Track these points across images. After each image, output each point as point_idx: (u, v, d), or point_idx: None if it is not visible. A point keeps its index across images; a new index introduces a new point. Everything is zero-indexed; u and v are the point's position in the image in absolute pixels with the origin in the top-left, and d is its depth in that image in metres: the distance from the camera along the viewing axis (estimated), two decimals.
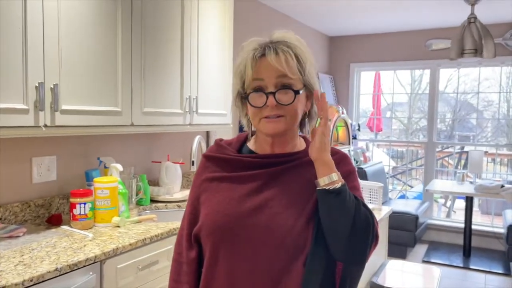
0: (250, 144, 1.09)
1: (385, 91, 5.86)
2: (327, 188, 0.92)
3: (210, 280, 1.00)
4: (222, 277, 0.98)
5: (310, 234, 0.95)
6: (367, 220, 0.93)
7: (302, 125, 1.06)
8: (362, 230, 0.92)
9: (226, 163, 1.05)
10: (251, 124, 1.06)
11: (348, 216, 0.91)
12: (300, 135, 1.09)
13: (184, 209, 1.12)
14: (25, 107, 1.55)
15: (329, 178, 0.93)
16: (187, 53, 2.36)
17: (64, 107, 1.69)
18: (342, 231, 0.91)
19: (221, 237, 0.98)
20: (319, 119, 1.00)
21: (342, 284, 1.00)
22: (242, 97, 1.04)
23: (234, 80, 1.05)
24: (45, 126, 1.63)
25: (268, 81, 0.96)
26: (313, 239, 0.95)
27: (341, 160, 1.03)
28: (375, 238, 0.95)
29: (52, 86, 1.63)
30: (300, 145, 1.07)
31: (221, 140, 1.11)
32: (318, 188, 0.94)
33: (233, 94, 1.06)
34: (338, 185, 0.92)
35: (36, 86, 1.58)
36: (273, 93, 0.96)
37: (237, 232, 0.96)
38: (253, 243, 0.95)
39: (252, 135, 1.09)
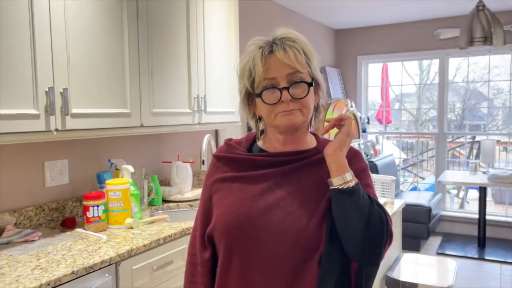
0: (260, 143, 1.08)
1: (393, 82, 5.80)
2: (340, 187, 0.91)
3: (225, 281, 1.00)
4: (237, 277, 0.98)
5: (324, 233, 0.95)
6: (381, 219, 0.92)
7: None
8: (376, 229, 0.91)
9: (237, 162, 1.05)
10: (259, 124, 1.05)
11: (362, 215, 0.90)
12: (310, 132, 1.09)
13: (196, 209, 1.12)
14: (36, 112, 1.56)
15: (343, 178, 0.92)
16: (193, 52, 2.35)
17: (74, 110, 1.70)
18: (356, 231, 0.91)
19: (234, 237, 0.97)
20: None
21: (358, 283, 0.99)
22: (249, 97, 1.03)
23: (240, 81, 1.04)
24: (56, 130, 1.64)
25: (280, 78, 0.96)
26: (328, 238, 0.94)
27: (353, 157, 1.02)
28: (389, 237, 0.94)
29: (61, 91, 1.64)
30: (311, 142, 1.06)
31: (230, 139, 1.11)
32: (331, 188, 0.93)
33: (241, 95, 1.05)
34: (351, 185, 0.91)
35: (46, 91, 1.58)
36: (287, 88, 0.96)
37: (250, 232, 0.96)
38: (267, 243, 0.95)
39: (260, 135, 1.09)
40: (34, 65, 1.55)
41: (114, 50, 1.88)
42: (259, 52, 0.98)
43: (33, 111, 1.55)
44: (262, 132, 1.09)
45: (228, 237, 0.98)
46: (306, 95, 0.97)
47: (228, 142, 1.10)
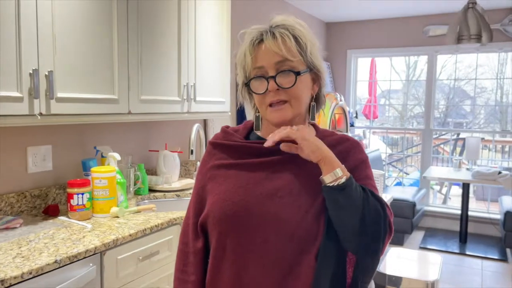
0: (258, 131, 1.05)
1: (379, 78, 5.82)
2: (330, 184, 0.89)
3: (217, 271, 0.97)
4: (230, 268, 0.95)
5: (322, 225, 0.93)
6: (377, 212, 0.90)
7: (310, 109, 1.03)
8: (372, 223, 0.89)
9: (234, 150, 1.02)
10: (257, 118, 1.04)
11: (356, 210, 0.88)
12: (309, 123, 1.06)
13: (184, 199, 1.09)
14: (19, 95, 1.50)
15: (333, 175, 0.89)
16: (184, 40, 2.30)
17: (59, 94, 1.64)
18: (351, 225, 0.89)
19: (229, 226, 0.95)
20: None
21: (355, 277, 0.97)
22: (246, 87, 1.00)
23: (238, 72, 1.01)
24: (40, 114, 1.58)
25: (268, 67, 0.94)
26: (325, 231, 0.92)
27: (352, 148, 1.00)
28: (388, 229, 0.92)
29: (46, 73, 1.58)
30: (309, 132, 1.03)
31: (227, 127, 1.08)
32: (323, 186, 0.91)
33: (239, 86, 1.02)
34: (342, 180, 0.89)
35: (30, 73, 1.52)
36: (273, 77, 0.93)
37: (245, 221, 0.93)
38: (263, 233, 0.92)
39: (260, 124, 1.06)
40: (18, 45, 1.48)
41: (102, 34, 1.82)
42: (249, 42, 0.96)
43: (16, 94, 1.49)
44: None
45: (222, 226, 0.95)
46: (293, 85, 0.93)
47: (225, 129, 1.08)
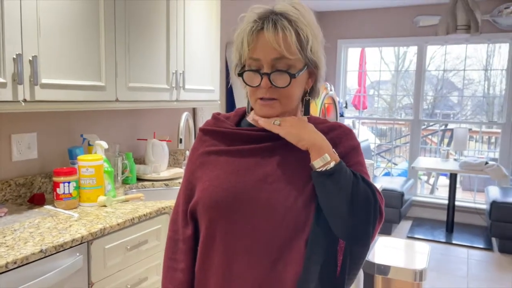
0: (250, 118, 1.03)
1: (369, 69, 5.83)
2: (319, 170, 0.88)
3: (207, 258, 0.96)
4: (219, 255, 0.94)
5: (312, 212, 0.92)
6: (367, 198, 0.89)
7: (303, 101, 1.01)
8: (362, 208, 0.88)
9: (224, 136, 1.00)
10: (249, 103, 1.01)
11: (345, 195, 0.87)
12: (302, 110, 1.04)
13: (173, 188, 1.07)
14: (2, 80, 1.45)
15: (322, 160, 0.88)
16: (173, 26, 2.25)
17: (44, 81, 1.59)
18: (340, 210, 0.88)
19: (219, 213, 0.93)
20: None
21: (344, 264, 0.97)
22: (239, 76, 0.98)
23: (234, 52, 0.98)
24: (25, 101, 1.53)
25: (264, 61, 0.90)
26: (315, 217, 0.91)
27: (344, 135, 0.99)
28: (379, 215, 0.91)
29: (30, 59, 1.53)
30: (300, 120, 1.02)
31: (219, 113, 1.06)
32: (312, 171, 0.90)
33: (233, 65, 1.00)
34: (331, 165, 0.88)
35: (13, 58, 1.47)
36: (268, 75, 0.90)
37: (235, 207, 0.92)
38: (253, 220, 0.91)
39: (251, 110, 1.04)
40: (1, 30, 1.43)
41: (89, 20, 1.77)
42: (249, 27, 0.91)
43: None
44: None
45: (212, 212, 0.94)
46: (287, 86, 0.91)
47: (216, 115, 1.06)
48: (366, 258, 2.14)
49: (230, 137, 1.00)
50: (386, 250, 2.29)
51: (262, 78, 0.91)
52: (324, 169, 0.88)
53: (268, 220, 0.90)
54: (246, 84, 0.95)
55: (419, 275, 2.00)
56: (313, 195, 0.92)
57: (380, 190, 2.47)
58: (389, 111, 7.72)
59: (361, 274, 2.23)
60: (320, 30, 0.96)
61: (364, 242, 0.92)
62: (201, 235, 0.98)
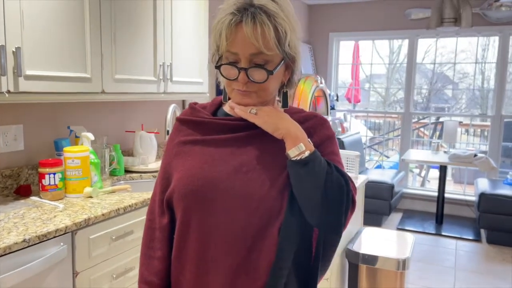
0: (226, 108, 1.05)
1: (363, 62, 5.84)
2: (293, 159, 0.90)
3: (182, 246, 0.98)
4: (194, 243, 0.96)
5: (285, 200, 0.93)
6: (340, 187, 0.90)
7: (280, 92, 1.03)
8: (334, 197, 0.90)
9: (200, 126, 1.01)
10: (225, 90, 1.02)
11: (318, 184, 0.88)
12: (278, 100, 1.05)
13: None
14: None
15: (297, 149, 0.90)
16: (160, 17, 2.26)
17: (28, 72, 1.60)
18: (312, 198, 0.89)
19: (194, 201, 0.94)
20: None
21: (318, 251, 0.99)
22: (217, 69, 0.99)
23: (212, 41, 0.99)
24: (8, 92, 1.54)
25: (242, 55, 0.91)
26: (288, 205, 0.93)
27: (319, 124, 1.00)
28: (351, 204, 0.93)
29: (14, 50, 1.53)
30: (274, 109, 1.03)
31: (195, 103, 1.07)
32: (287, 160, 0.91)
33: (211, 53, 1.00)
34: (305, 155, 0.89)
35: None
36: (245, 70, 0.91)
37: (210, 196, 0.93)
38: (227, 208, 0.92)
39: (228, 99, 1.05)
40: None
41: (73, 9, 1.77)
42: (227, 19, 0.90)
43: None
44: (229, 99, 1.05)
45: (187, 201, 0.95)
46: (264, 81, 0.92)
47: (193, 105, 1.07)
48: (351, 248, 2.16)
49: (206, 127, 1.01)
50: (371, 240, 2.32)
51: (239, 73, 0.91)
52: (299, 158, 0.89)
53: (243, 209, 0.92)
54: (224, 77, 0.96)
55: (402, 264, 2.04)
56: (287, 184, 0.93)
57: (365, 181, 2.50)
58: (383, 105, 7.75)
59: (346, 263, 2.26)
60: (299, 22, 0.96)
61: (336, 231, 0.94)
62: (177, 224, 0.99)
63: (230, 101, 1.03)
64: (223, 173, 0.94)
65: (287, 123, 0.93)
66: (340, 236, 0.99)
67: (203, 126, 1.01)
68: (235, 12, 0.90)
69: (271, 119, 0.93)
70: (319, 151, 0.94)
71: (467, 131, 6.45)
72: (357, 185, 2.28)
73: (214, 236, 0.94)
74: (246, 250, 0.93)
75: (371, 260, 2.09)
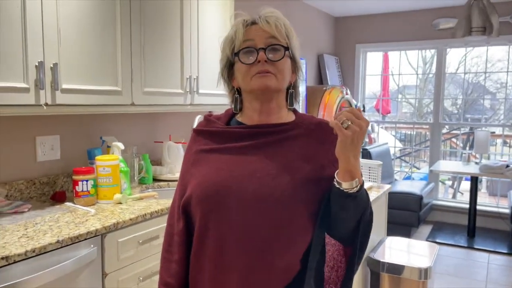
0: (238, 117, 1.11)
1: (394, 73, 5.80)
2: (345, 191, 0.93)
3: (200, 249, 1.03)
4: (212, 244, 1.01)
5: (297, 203, 0.99)
6: (371, 212, 1.01)
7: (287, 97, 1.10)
8: (367, 223, 1.00)
9: (215, 135, 1.08)
10: (237, 100, 1.09)
11: (359, 214, 0.97)
12: (289, 108, 1.11)
13: None
14: (25, 85, 1.59)
15: (353, 184, 0.92)
16: (186, 32, 2.37)
17: (64, 86, 1.73)
18: (349, 225, 0.99)
19: (210, 205, 1.00)
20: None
21: (350, 267, 1.07)
22: (229, 70, 1.07)
23: (222, 53, 1.08)
24: (46, 104, 1.67)
25: (258, 40, 1.01)
26: (318, 222, 1.00)
27: (332, 132, 1.05)
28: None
29: (51, 66, 1.67)
30: (288, 117, 1.09)
31: (210, 115, 1.15)
32: (335, 186, 0.94)
33: (221, 66, 1.09)
34: (357, 189, 0.93)
35: (36, 65, 1.61)
36: (264, 49, 1.00)
37: (225, 200, 0.99)
38: (241, 211, 0.98)
39: (240, 110, 1.12)
40: (24, 39, 1.57)
41: (105, 27, 1.90)
42: (241, 22, 1.04)
43: (23, 85, 1.58)
44: (241, 109, 1.12)
45: (204, 205, 1.01)
46: (282, 58, 1.01)
47: (208, 117, 1.14)
48: (372, 256, 2.17)
49: (220, 136, 1.08)
50: (393, 249, 2.31)
51: (258, 53, 1.00)
52: (351, 191, 0.93)
53: (256, 212, 0.97)
54: (242, 62, 1.02)
55: (424, 273, 2.03)
56: (297, 188, 0.98)
57: (389, 190, 2.48)
58: (416, 117, 7.63)
59: (367, 272, 2.26)
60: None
61: (363, 250, 1.04)
62: (196, 227, 1.05)
63: (241, 113, 1.11)
64: (238, 178, 1.00)
65: (357, 153, 0.92)
66: (363, 253, 1.07)
67: (217, 136, 1.08)
68: (247, 19, 1.04)
69: (354, 143, 0.90)
70: (332, 157, 0.96)
71: (496, 141, 6.25)
72: (379, 194, 2.29)
73: (230, 238, 0.99)
74: (260, 250, 0.98)
75: (392, 268, 2.09)
